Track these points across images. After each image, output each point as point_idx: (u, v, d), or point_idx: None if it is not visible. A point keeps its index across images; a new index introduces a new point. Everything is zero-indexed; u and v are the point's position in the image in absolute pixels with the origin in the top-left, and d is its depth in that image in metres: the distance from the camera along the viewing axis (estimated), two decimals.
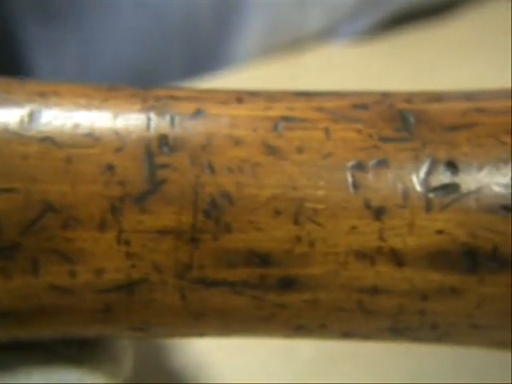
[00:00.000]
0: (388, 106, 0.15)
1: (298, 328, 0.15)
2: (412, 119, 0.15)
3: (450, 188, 0.14)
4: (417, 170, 0.14)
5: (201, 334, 0.16)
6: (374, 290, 0.14)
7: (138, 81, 0.38)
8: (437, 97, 0.16)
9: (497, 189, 0.13)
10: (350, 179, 0.14)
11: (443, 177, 0.14)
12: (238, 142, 0.14)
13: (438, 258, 0.14)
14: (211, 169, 0.14)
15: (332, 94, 0.16)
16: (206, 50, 0.41)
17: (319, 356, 0.23)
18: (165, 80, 0.37)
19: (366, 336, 0.16)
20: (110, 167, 0.14)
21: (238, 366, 0.23)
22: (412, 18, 0.39)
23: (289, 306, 0.15)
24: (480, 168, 0.14)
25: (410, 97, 0.16)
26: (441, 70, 0.35)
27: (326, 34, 0.39)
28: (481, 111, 0.15)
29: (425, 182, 0.14)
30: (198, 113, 0.15)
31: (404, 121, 0.15)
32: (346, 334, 0.16)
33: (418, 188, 0.14)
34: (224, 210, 0.14)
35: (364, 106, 0.15)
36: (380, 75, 0.36)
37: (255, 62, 0.39)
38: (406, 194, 0.14)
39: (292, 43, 0.39)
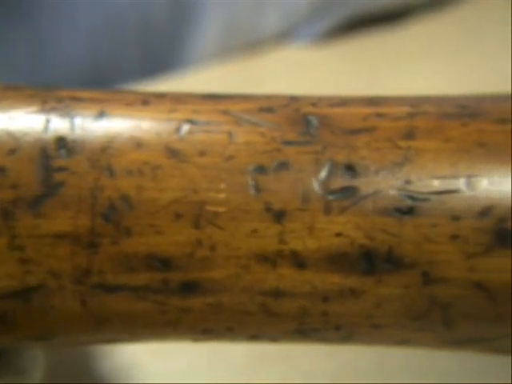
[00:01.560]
0: (294, 109, 0.15)
1: (206, 332, 0.15)
2: (315, 123, 0.15)
3: (348, 191, 0.14)
4: (317, 173, 0.14)
5: (108, 341, 0.16)
6: (277, 293, 0.14)
7: (95, 81, 0.37)
8: (342, 101, 0.16)
9: (391, 192, 0.14)
10: (251, 182, 0.14)
11: (342, 180, 0.14)
12: (139, 144, 0.14)
13: (337, 261, 0.14)
14: (110, 172, 0.14)
15: (240, 96, 0.16)
16: (164, 51, 0.40)
17: (249, 357, 0.23)
18: (122, 81, 0.37)
19: (274, 338, 0.16)
20: (2, 170, 0.13)
21: (166, 368, 0.23)
22: (369, 22, 0.40)
23: (193, 310, 0.15)
24: (377, 171, 0.14)
25: (317, 101, 0.16)
26: (395, 73, 0.36)
27: (284, 36, 0.40)
28: (380, 116, 0.15)
29: (324, 185, 0.14)
30: (100, 115, 0.15)
31: (307, 124, 0.15)
32: (254, 337, 0.16)
33: (318, 191, 0.14)
34: (123, 214, 0.14)
35: (270, 110, 0.15)
36: (337, 78, 0.37)
37: (213, 63, 0.39)
38: (306, 197, 0.14)
39: (250, 45, 0.39)
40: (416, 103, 0.16)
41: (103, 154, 0.14)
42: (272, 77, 0.38)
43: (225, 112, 0.15)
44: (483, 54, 0.37)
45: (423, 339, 0.16)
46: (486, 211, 0.14)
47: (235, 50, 0.39)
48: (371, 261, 0.14)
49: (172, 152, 0.14)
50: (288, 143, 0.15)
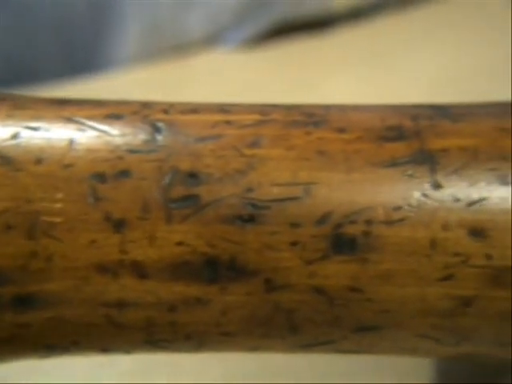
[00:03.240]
0: (143, 116, 0.15)
1: (50, 348, 0.15)
2: (163, 130, 0.15)
3: (190, 199, 0.14)
4: (159, 182, 0.14)
5: None
6: (121, 304, 0.14)
7: (8, 81, 0.35)
8: (195, 108, 0.16)
9: (233, 200, 0.14)
10: (89, 191, 0.13)
11: (184, 188, 0.14)
12: None
13: (180, 270, 0.14)
14: None
15: (89, 102, 0.16)
16: (84, 51, 0.39)
17: (138, 367, 0.23)
18: (40, 81, 0.35)
19: (126, 350, 0.16)
20: None
21: (57, 380, 0.22)
22: (296, 28, 0.41)
23: (31, 325, 0.14)
24: (220, 179, 0.14)
25: (169, 107, 0.16)
26: (320, 78, 0.37)
27: (210, 39, 0.39)
28: (229, 123, 0.15)
29: (166, 193, 0.14)
30: None
31: (155, 132, 0.15)
32: (105, 350, 0.15)
33: (159, 199, 0.14)
34: None
35: (118, 117, 0.15)
36: (264, 82, 0.37)
37: (138, 64, 0.38)
38: (147, 205, 0.14)
39: (175, 47, 0.39)
40: (266, 111, 0.16)
41: None
42: (198, 80, 0.38)
43: (68, 118, 0.15)
44: (406, 61, 0.38)
45: (272, 345, 0.16)
46: (323, 218, 0.14)
47: (160, 52, 0.39)
48: (214, 269, 0.14)
49: (5, 159, 0.13)
50: (132, 151, 0.14)
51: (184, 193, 0.14)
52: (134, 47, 0.39)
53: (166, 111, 0.15)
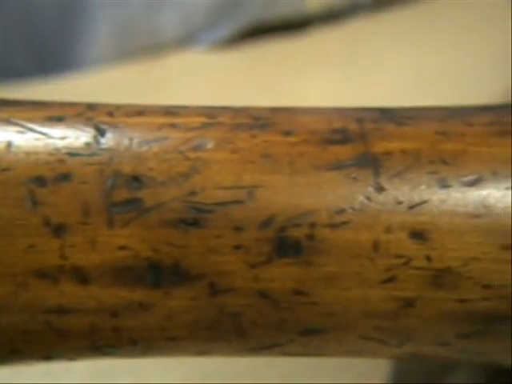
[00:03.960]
0: (86, 119, 0.15)
1: None
2: (107, 133, 0.15)
3: (132, 203, 0.14)
4: (100, 185, 0.14)
5: None
6: (61, 310, 0.14)
7: None
8: (140, 110, 0.16)
9: (177, 204, 0.14)
10: (27, 195, 0.13)
11: (127, 192, 0.14)
12: None
13: (123, 274, 0.14)
14: None
15: (30, 103, 0.15)
16: (54, 51, 0.39)
17: (95, 372, 0.22)
18: (9, 80, 0.34)
19: (71, 357, 0.15)
20: None
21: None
22: (270, 30, 0.40)
23: None
24: (163, 183, 0.14)
25: (114, 109, 0.16)
26: (292, 80, 0.36)
27: (184, 40, 0.39)
28: (174, 126, 0.15)
29: (108, 197, 0.14)
30: None
31: (98, 134, 0.14)
32: (48, 358, 0.15)
33: (101, 204, 0.14)
34: None
35: (60, 118, 0.15)
36: (237, 83, 0.36)
37: (110, 65, 0.37)
38: (88, 209, 0.13)
39: (148, 48, 0.38)
40: (213, 114, 0.16)
41: None
42: (171, 80, 0.37)
43: (7, 120, 0.14)
44: (382, 63, 0.38)
45: (220, 349, 0.16)
46: (267, 222, 0.14)
47: (132, 53, 0.38)
48: (158, 274, 0.14)
49: None
50: (73, 154, 0.14)
51: (126, 196, 0.14)
52: (105, 47, 0.39)
53: (110, 113, 0.15)
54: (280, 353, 0.16)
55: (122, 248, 0.13)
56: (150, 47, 0.39)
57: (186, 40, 0.39)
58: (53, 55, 0.39)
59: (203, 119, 0.15)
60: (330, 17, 0.42)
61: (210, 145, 0.14)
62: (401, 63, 0.37)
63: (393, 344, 0.15)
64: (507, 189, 0.14)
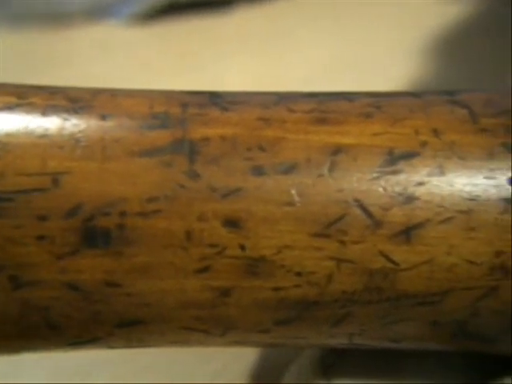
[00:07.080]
0: None
1: None
2: None
3: None
4: None
5: None
6: None
7: None
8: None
9: None
10: None
11: None
12: None
13: None
14: None
15: None
16: None
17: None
18: None
19: None
20: None
21: None
22: (194, 7, 0.39)
23: None
24: None
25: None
26: (214, 59, 0.35)
27: (95, 12, 0.37)
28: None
29: None
30: None
31: None
32: None
33: None
34: None
35: None
36: (153, 59, 0.35)
37: (11, 31, 0.35)
38: None
39: (56, 16, 0.36)
40: (24, 93, 0.14)
41: None
42: (79, 52, 0.35)
43: None
44: (303, 43, 0.37)
45: (37, 346, 0.15)
46: (73, 210, 0.13)
47: (38, 20, 0.36)
48: None
49: None
50: None
51: None
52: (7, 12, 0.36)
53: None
54: (103, 346, 0.15)
55: None
56: (59, 16, 0.37)
57: (96, 12, 0.37)
58: None
59: (12, 99, 0.14)
60: None
61: (13, 128, 0.14)
62: (324, 43, 0.37)
63: (216, 333, 0.15)
64: (319, 176, 0.14)
